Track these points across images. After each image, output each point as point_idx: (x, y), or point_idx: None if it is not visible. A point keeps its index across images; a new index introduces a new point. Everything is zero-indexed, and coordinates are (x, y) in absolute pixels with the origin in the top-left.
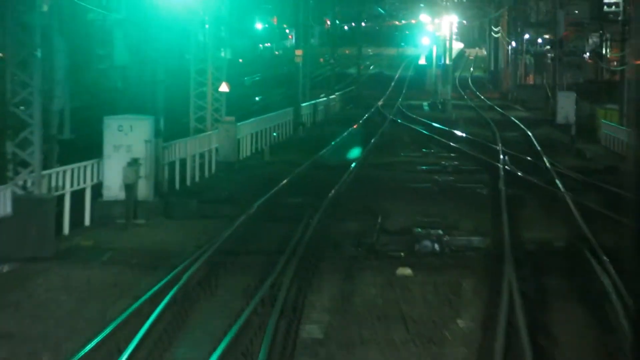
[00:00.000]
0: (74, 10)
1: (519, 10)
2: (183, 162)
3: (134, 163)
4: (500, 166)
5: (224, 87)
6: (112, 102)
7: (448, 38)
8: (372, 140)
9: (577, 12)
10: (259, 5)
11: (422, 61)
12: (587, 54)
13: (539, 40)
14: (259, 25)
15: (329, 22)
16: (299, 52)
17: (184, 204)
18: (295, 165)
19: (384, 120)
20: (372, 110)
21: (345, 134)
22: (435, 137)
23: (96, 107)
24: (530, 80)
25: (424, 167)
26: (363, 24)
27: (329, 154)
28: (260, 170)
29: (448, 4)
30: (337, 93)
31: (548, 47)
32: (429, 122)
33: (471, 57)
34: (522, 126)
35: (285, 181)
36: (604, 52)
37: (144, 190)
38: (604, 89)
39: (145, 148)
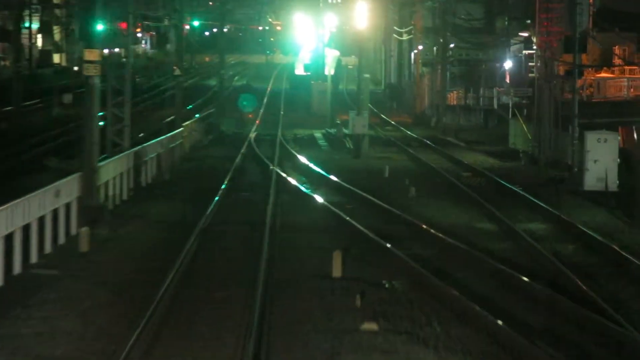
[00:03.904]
0: None
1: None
2: None
3: None
4: None
5: None
6: None
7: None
8: (259, 275)
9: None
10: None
11: (299, 71)
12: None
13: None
14: (100, 27)
15: (187, 27)
16: (91, 53)
17: None
18: None
19: (265, 177)
20: (243, 150)
21: (192, 240)
22: (404, 256)
23: None
24: (453, 99)
25: None
26: (225, 29)
27: None
28: None
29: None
30: (187, 123)
31: (530, 50)
32: (347, 185)
33: (350, 67)
34: (534, 200)
35: None
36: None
37: None
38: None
39: None
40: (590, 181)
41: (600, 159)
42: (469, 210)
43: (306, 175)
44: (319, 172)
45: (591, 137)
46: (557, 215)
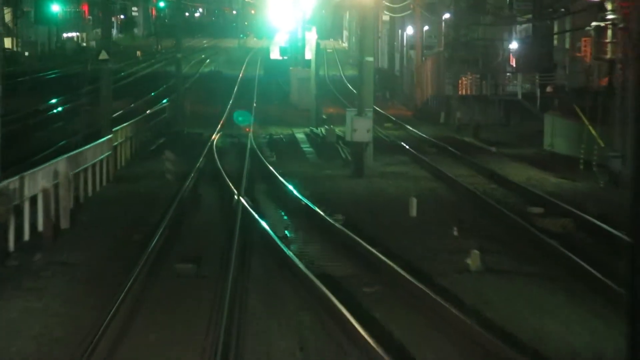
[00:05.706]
0: None
1: None
2: None
3: None
4: None
5: None
6: None
7: None
8: None
9: None
10: None
11: (274, 55)
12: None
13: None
14: (55, 8)
15: (155, 12)
16: None
17: None
18: None
19: (226, 219)
20: (199, 163)
21: None
22: None
23: None
24: (462, 88)
25: None
26: (197, 14)
27: None
28: None
29: None
30: (120, 127)
31: (605, 21)
32: (356, 238)
33: (329, 50)
34: None
35: None
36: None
37: None
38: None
39: None
40: None
41: None
42: (586, 302)
43: (288, 211)
44: (307, 206)
45: None
46: None
